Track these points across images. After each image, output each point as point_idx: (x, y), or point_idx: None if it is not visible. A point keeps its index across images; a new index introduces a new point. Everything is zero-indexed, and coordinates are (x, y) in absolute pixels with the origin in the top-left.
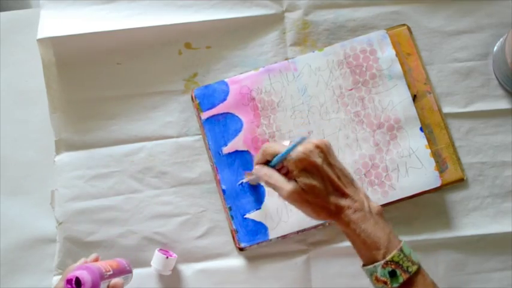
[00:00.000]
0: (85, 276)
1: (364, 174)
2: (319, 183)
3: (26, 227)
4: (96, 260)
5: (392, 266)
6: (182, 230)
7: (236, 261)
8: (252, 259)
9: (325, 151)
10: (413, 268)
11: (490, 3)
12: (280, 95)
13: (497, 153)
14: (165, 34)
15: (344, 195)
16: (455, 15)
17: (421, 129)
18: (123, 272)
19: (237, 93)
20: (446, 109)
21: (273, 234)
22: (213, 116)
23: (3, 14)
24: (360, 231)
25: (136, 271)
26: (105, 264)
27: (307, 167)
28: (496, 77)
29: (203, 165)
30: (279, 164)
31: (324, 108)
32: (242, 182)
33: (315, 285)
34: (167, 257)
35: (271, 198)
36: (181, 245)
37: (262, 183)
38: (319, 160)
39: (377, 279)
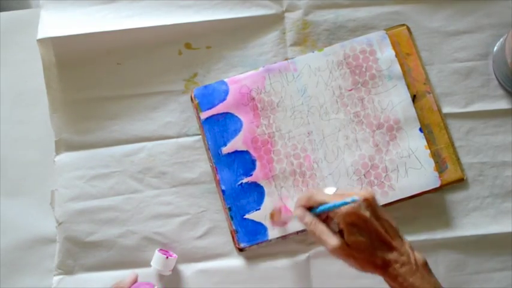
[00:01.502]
0: None
1: (364, 175)
2: (366, 239)
3: (26, 227)
4: (135, 280)
5: None
6: (182, 230)
7: (236, 262)
8: (252, 259)
9: (372, 204)
10: None
11: (490, 3)
12: (280, 95)
13: (497, 153)
14: (165, 34)
15: (391, 248)
16: (455, 15)
17: (420, 129)
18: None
19: (237, 93)
20: (446, 109)
21: (272, 234)
22: (213, 115)
23: (3, 14)
24: (408, 285)
25: (136, 271)
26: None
27: (355, 221)
28: (496, 77)
29: (203, 166)
30: (322, 212)
31: (323, 109)
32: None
33: (315, 285)
34: (167, 257)
35: (271, 199)
36: (181, 245)
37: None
38: (367, 214)
39: None
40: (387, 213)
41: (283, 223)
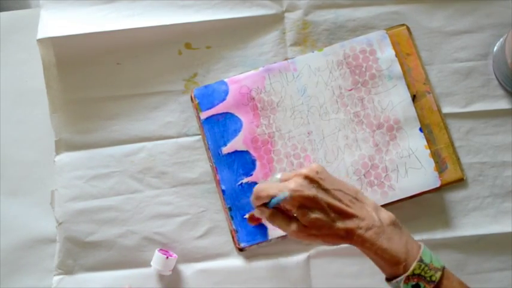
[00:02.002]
0: None
1: (364, 175)
2: (320, 215)
3: (26, 227)
4: None
5: (415, 280)
6: (182, 230)
7: (236, 261)
8: (252, 259)
9: (316, 179)
10: (437, 275)
11: (490, 3)
12: (280, 95)
13: (497, 153)
14: (165, 34)
15: (350, 216)
16: (455, 15)
17: (420, 129)
18: None
19: (237, 93)
20: (446, 109)
21: (272, 234)
22: (213, 115)
23: (3, 14)
24: (376, 249)
25: (136, 271)
26: None
27: (303, 202)
28: (496, 77)
29: (203, 166)
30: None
31: (323, 109)
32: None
33: (315, 285)
34: (167, 257)
35: None
36: (181, 245)
37: None
38: (312, 191)
39: None
40: (339, 181)
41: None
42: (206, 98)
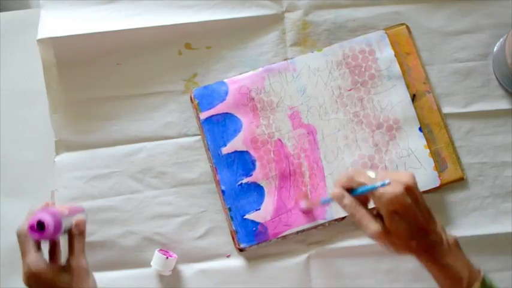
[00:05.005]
0: (47, 218)
1: None
2: (407, 226)
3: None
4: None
5: None
6: (182, 230)
7: (236, 262)
8: (252, 259)
9: (414, 191)
10: None
11: (490, 3)
12: (280, 96)
13: (497, 154)
14: (165, 34)
15: (427, 233)
16: (455, 15)
17: (420, 129)
18: (77, 211)
19: (236, 93)
20: (446, 109)
21: (272, 234)
22: (212, 116)
23: (3, 14)
24: (442, 266)
25: (136, 271)
26: (61, 207)
27: (397, 209)
28: (496, 78)
29: (203, 166)
30: (360, 194)
31: (323, 109)
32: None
33: (315, 285)
34: (167, 258)
35: (271, 199)
36: (181, 245)
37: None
38: (408, 201)
39: None
40: (423, 196)
41: (310, 207)
42: (206, 98)
